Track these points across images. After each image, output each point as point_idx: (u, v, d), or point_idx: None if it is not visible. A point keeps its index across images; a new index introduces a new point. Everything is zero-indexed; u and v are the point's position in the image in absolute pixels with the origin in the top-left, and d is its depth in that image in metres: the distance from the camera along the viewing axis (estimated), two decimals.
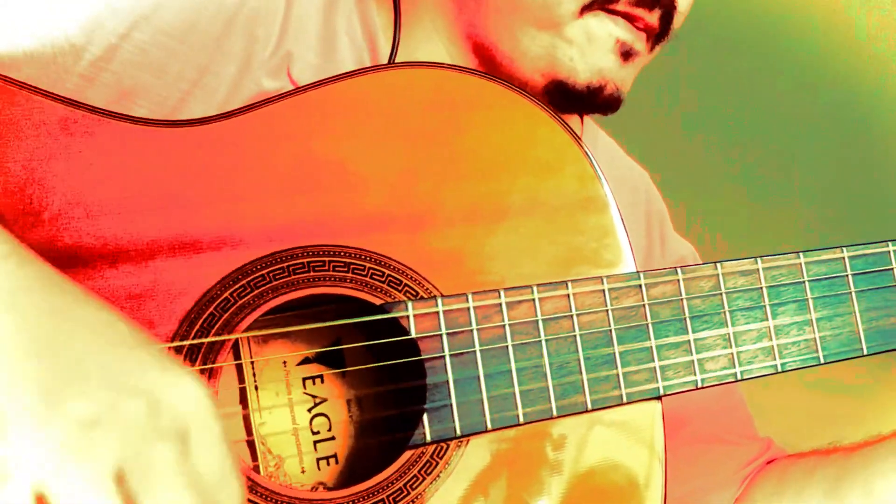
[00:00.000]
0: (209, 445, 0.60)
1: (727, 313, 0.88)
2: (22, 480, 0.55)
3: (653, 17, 0.97)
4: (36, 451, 0.55)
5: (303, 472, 0.87)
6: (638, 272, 0.87)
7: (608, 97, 0.98)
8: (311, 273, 0.80)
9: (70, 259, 0.75)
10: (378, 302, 0.82)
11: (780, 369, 0.89)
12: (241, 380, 0.84)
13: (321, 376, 0.88)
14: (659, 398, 0.86)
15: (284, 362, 0.88)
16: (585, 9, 0.95)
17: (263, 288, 0.80)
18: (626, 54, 0.97)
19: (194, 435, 0.59)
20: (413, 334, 0.81)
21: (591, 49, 0.97)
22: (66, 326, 0.60)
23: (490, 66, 1.03)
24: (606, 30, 0.96)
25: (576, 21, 0.96)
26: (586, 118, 1.20)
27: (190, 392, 0.60)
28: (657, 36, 1.00)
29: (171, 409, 0.58)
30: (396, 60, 1.01)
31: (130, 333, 0.62)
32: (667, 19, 0.98)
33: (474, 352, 0.82)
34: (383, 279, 0.82)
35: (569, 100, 0.98)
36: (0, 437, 0.55)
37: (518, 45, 0.99)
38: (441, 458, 0.81)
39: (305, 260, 0.80)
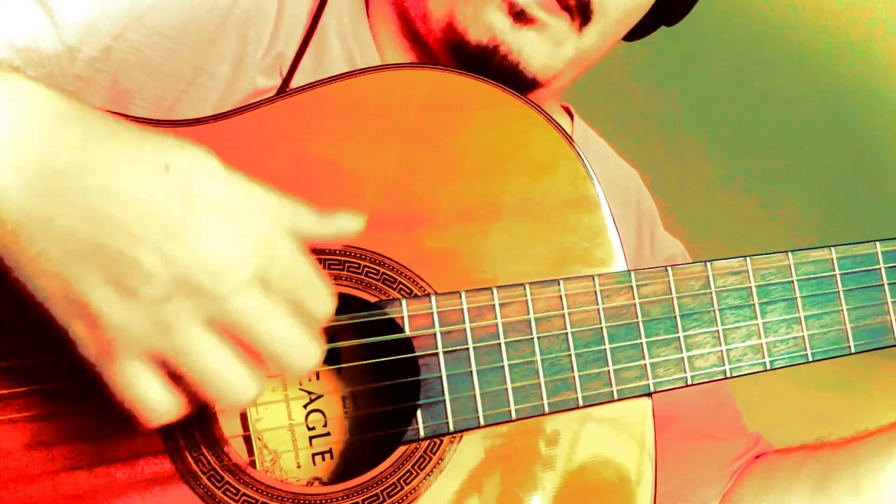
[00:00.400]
0: (285, 261, 0.65)
1: (717, 311, 0.89)
2: (131, 354, 0.62)
3: None
4: (132, 333, 0.61)
5: (298, 467, 0.87)
6: (629, 271, 0.88)
7: (502, 61, 0.96)
8: None
9: None
10: (373, 300, 0.82)
11: (768, 367, 0.90)
12: None
13: (317, 373, 0.88)
14: (649, 395, 0.87)
15: None
16: None
17: None
18: (519, 15, 0.95)
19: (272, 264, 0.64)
20: (407, 332, 0.82)
21: (483, 7, 0.96)
22: (99, 199, 0.61)
23: (412, 35, 1.04)
24: None
25: None
26: (576, 119, 1.20)
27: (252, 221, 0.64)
28: (580, 12, 0.97)
29: (240, 257, 0.63)
30: (307, 52, 1.00)
31: (165, 180, 0.63)
32: None
33: (467, 349, 0.83)
34: (378, 277, 0.82)
35: (467, 61, 0.97)
36: (104, 321, 0.61)
37: (427, 5, 1.00)
38: (434, 454, 0.82)
39: None
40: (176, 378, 0.63)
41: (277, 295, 0.65)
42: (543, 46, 0.97)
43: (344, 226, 0.72)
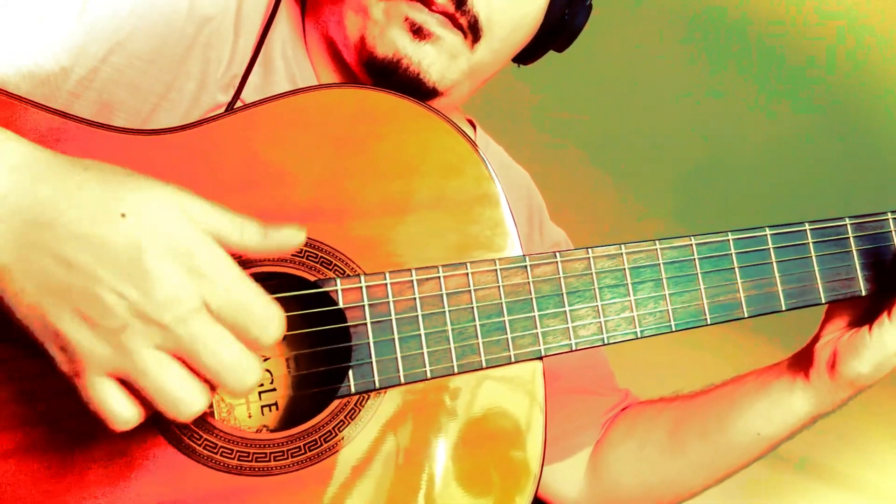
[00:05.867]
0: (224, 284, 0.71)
1: (597, 289, 0.94)
2: (97, 373, 0.69)
3: (445, 3, 1.01)
4: (96, 356, 0.68)
5: (249, 416, 0.93)
6: (524, 255, 0.93)
7: (405, 71, 1.01)
8: None
9: None
10: (312, 278, 0.87)
11: (639, 336, 0.96)
12: None
13: None
14: (540, 358, 0.93)
15: None
16: None
17: None
18: (417, 31, 1.00)
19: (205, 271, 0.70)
20: (341, 305, 0.87)
21: (388, 26, 1.01)
22: (67, 247, 0.68)
23: (337, 58, 1.09)
24: (400, 10, 1.01)
25: (379, 4, 1.02)
26: (479, 129, 1.27)
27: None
28: (471, 30, 1.02)
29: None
30: (255, 71, 1.05)
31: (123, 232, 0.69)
32: (460, 4, 1.01)
33: (390, 320, 0.88)
34: (317, 260, 0.88)
35: (376, 74, 1.03)
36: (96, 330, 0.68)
37: (345, 30, 1.05)
38: (363, 406, 0.88)
39: None
40: (136, 392, 0.69)
41: (222, 323, 0.70)
42: (440, 59, 1.02)
43: (286, 240, 0.76)
